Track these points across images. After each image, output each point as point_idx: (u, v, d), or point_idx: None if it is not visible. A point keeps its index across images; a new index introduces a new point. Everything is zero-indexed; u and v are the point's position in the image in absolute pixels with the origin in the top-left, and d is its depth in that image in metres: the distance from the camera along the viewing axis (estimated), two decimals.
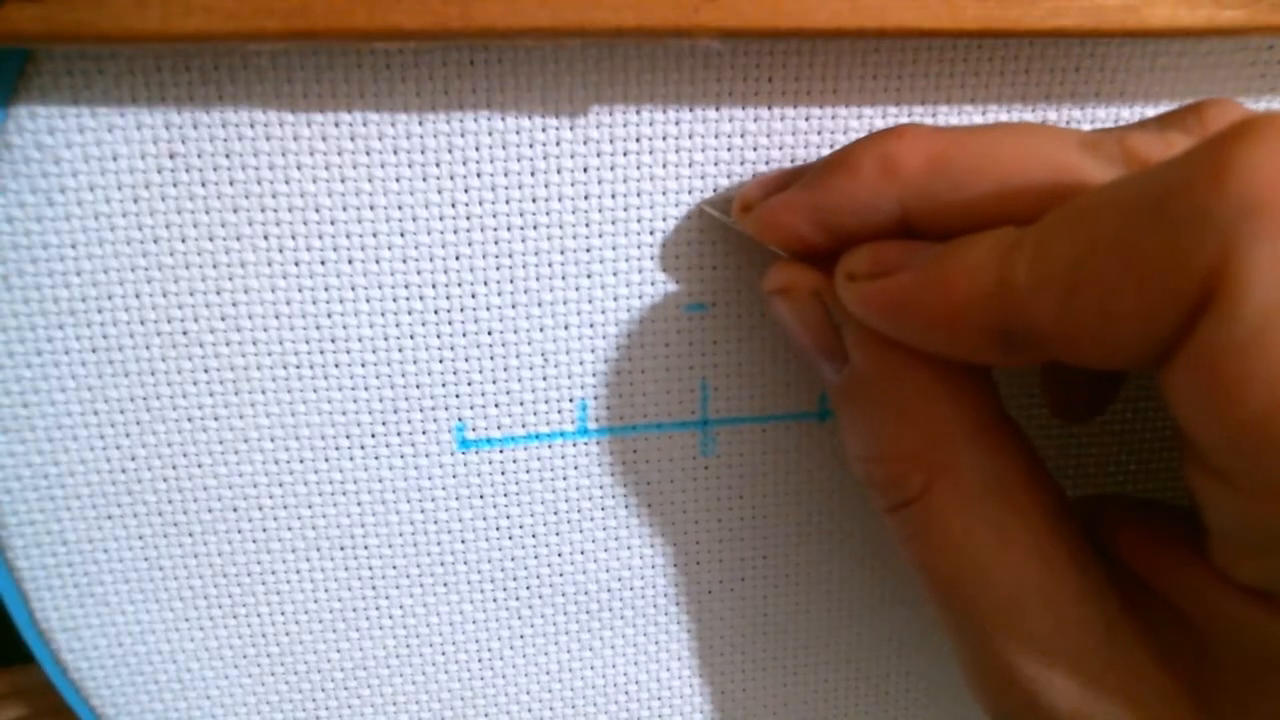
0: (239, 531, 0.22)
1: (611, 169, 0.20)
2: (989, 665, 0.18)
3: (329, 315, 0.21)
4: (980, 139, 0.17)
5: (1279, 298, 0.12)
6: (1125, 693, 0.16)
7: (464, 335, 0.21)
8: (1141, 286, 0.14)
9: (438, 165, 0.20)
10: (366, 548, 0.23)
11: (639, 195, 0.21)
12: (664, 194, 0.21)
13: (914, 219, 0.17)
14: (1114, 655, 0.17)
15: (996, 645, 0.17)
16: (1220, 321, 0.13)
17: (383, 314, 0.21)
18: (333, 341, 0.21)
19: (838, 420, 0.19)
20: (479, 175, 0.20)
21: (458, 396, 0.22)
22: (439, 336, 0.21)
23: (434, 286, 0.21)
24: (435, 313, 0.21)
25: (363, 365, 0.21)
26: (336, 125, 0.19)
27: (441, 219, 0.20)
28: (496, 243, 0.21)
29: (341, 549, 0.23)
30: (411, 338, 0.21)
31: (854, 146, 0.18)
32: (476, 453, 0.22)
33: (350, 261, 0.20)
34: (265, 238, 0.20)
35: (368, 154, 0.20)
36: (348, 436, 0.22)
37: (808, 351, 0.19)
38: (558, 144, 0.20)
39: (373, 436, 0.22)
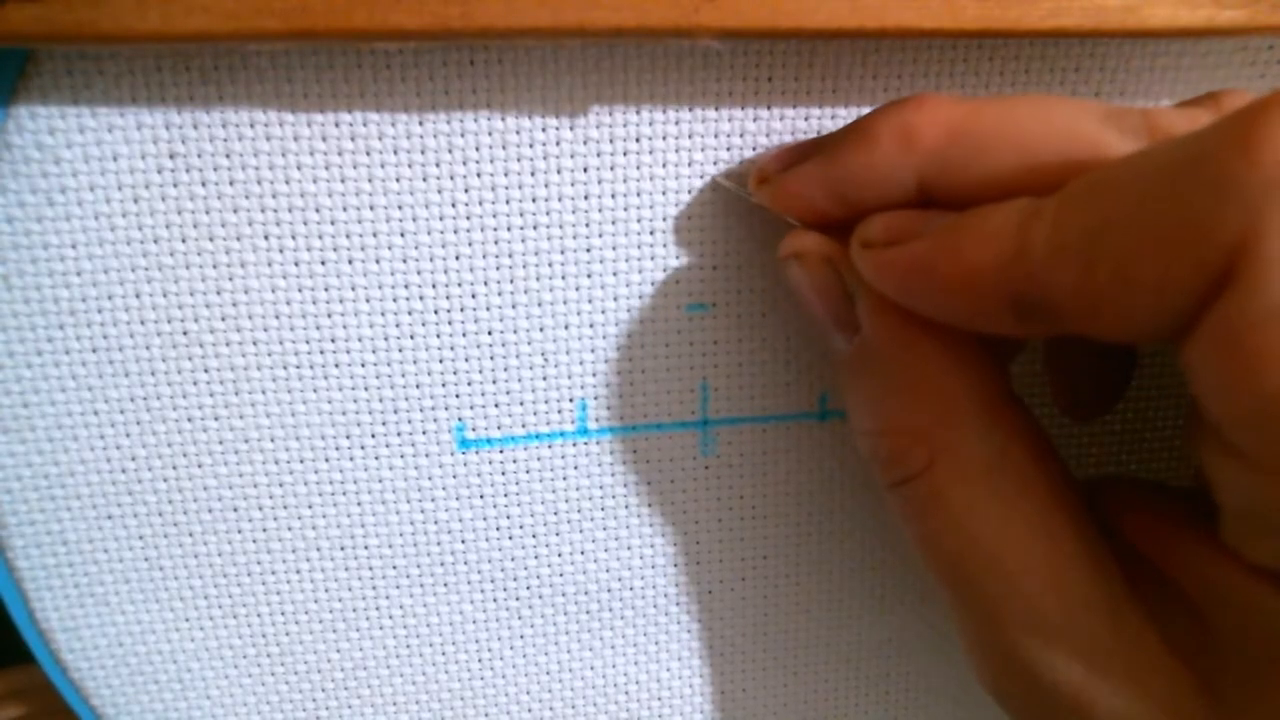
0: (239, 531, 0.22)
1: (611, 169, 0.20)
2: (992, 645, 0.17)
3: (329, 315, 0.21)
4: (1000, 109, 0.17)
5: None
6: (1129, 674, 0.16)
7: (464, 335, 0.21)
8: (1164, 256, 0.13)
9: (438, 165, 0.20)
10: (366, 548, 0.23)
11: (639, 195, 0.21)
12: (664, 194, 0.21)
13: (932, 190, 0.17)
14: (1119, 636, 0.16)
15: (1000, 624, 0.17)
16: (1245, 294, 0.13)
17: (383, 314, 0.21)
18: (333, 341, 0.21)
19: (845, 394, 0.19)
20: (479, 175, 0.20)
21: (458, 396, 0.22)
22: (439, 336, 0.21)
23: (434, 286, 0.21)
24: (435, 313, 0.21)
25: (363, 365, 0.21)
26: (336, 125, 0.19)
27: (441, 219, 0.20)
28: (496, 243, 0.21)
29: (341, 549, 0.23)
30: (411, 338, 0.21)
31: (872, 117, 0.18)
32: (476, 453, 0.22)
33: (350, 261, 0.20)
34: (265, 238, 0.20)
35: (368, 154, 0.20)
36: (348, 436, 0.22)
37: (819, 320, 0.19)
38: (558, 144, 0.20)
39: (373, 436, 0.22)
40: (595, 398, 0.22)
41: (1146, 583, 0.17)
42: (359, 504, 0.22)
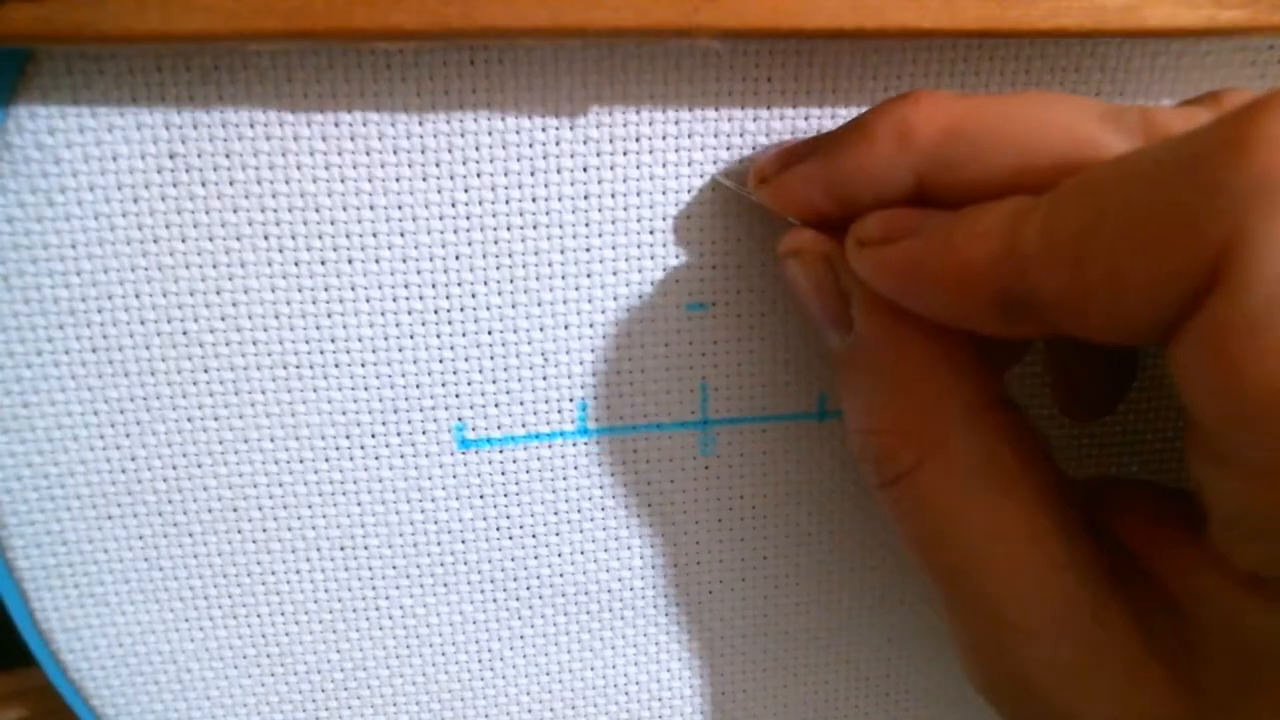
0: (239, 531, 0.22)
1: (611, 168, 0.20)
2: (978, 642, 0.18)
3: (329, 315, 0.21)
4: (998, 107, 0.17)
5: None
6: (1111, 676, 0.16)
7: (464, 335, 0.21)
8: (1152, 257, 0.13)
9: (438, 165, 0.20)
10: (366, 548, 0.23)
11: (639, 195, 0.21)
12: (663, 193, 0.21)
13: (928, 188, 0.17)
14: (1102, 638, 0.16)
15: (985, 624, 0.17)
16: (1230, 297, 0.13)
17: (383, 314, 0.21)
18: (333, 341, 0.21)
19: (839, 391, 0.19)
20: (479, 175, 0.20)
21: (457, 396, 0.22)
22: (439, 336, 0.21)
23: (434, 286, 0.21)
24: (435, 313, 0.21)
25: (363, 365, 0.21)
26: (336, 125, 0.19)
27: (441, 219, 0.20)
28: (496, 242, 0.21)
29: (341, 549, 0.23)
30: (411, 338, 0.21)
31: (869, 115, 0.18)
32: (476, 452, 0.22)
33: (350, 261, 0.20)
34: (265, 238, 0.20)
35: (368, 154, 0.20)
36: (348, 436, 0.22)
37: (816, 317, 0.19)
38: (557, 144, 0.20)
39: (373, 436, 0.22)
40: (595, 397, 0.22)
41: (1135, 585, 0.17)
42: (359, 504, 0.22)
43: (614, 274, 0.21)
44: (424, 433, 0.22)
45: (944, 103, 0.17)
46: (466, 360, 0.21)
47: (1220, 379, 0.13)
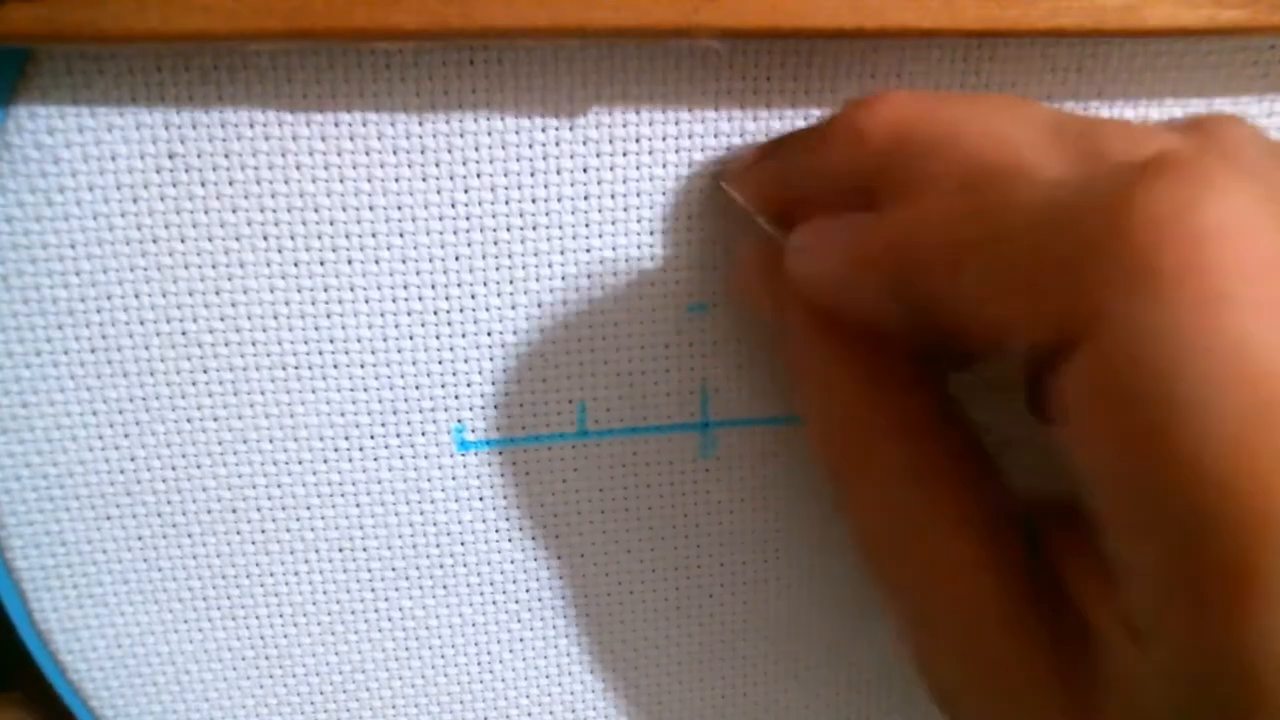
0: (239, 531, 0.22)
1: (611, 169, 0.20)
2: (899, 633, 0.18)
3: (329, 315, 0.21)
4: (948, 112, 0.17)
5: (1137, 358, 0.12)
6: (1010, 688, 0.16)
7: (463, 336, 0.21)
8: (1016, 306, 0.14)
9: (437, 165, 0.20)
10: (366, 549, 0.23)
11: (638, 195, 0.21)
12: (663, 194, 0.21)
13: (876, 191, 0.17)
14: (1009, 647, 0.16)
15: (905, 616, 0.18)
16: (1079, 368, 0.13)
17: (382, 314, 0.21)
18: (332, 341, 0.21)
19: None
20: (478, 175, 0.20)
21: (457, 397, 0.22)
22: (438, 337, 0.21)
23: (433, 287, 0.21)
24: (435, 313, 0.21)
25: (362, 365, 0.21)
26: (336, 125, 0.19)
27: (441, 219, 0.20)
28: (496, 243, 0.21)
29: (341, 550, 0.23)
30: (411, 338, 0.21)
31: (830, 118, 0.18)
32: (476, 454, 0.22)
33: (350, 261, 0.20)
34: (265, 238, 0.20)
35: (367, 154, 0.20)
36: (347, 437, 0.22)
37: (767, 320, 0.20)
38: (557, 144, 0.20)
39: (372, 437, 0.22)
40: (594, 399, 0.22)
41: (1057, 601, 0.17)
42: (358, 505, 0.22)
43: (614, 275, 0.21)
44: (423, 434, 0.22)
45: (899, 106, 0.17)
46: (466, 362, 0.21)
47: (1069, 439, 0.13)
